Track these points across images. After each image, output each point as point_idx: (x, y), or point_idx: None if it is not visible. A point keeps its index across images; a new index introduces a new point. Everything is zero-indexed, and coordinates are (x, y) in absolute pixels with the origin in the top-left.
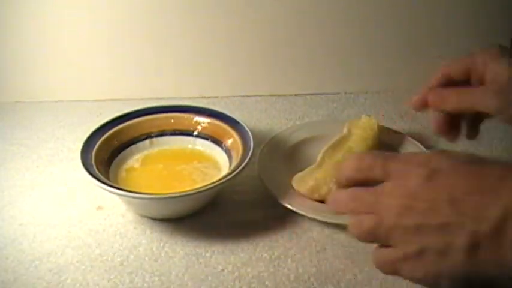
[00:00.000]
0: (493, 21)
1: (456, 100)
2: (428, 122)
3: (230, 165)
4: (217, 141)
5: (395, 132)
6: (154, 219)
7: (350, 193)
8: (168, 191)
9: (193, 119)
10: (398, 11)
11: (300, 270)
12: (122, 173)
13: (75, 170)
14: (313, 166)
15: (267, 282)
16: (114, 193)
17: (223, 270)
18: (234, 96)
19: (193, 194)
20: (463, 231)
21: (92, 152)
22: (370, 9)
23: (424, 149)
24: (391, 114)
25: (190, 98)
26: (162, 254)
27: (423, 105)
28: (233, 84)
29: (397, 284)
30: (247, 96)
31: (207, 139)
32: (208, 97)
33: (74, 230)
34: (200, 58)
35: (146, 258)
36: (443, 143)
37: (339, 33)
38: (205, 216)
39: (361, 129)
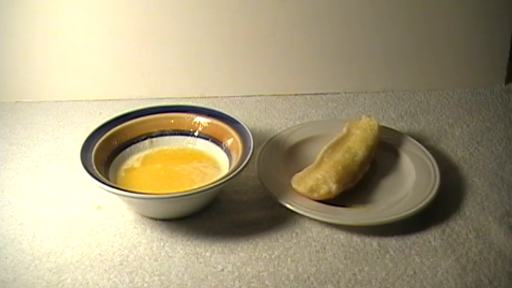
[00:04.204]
0: (493, 21)
1: None
2: (428, 122)
3: (230, 165)
4: (217, 141)
5: (395, 132)
6: (155, 219)
7: None
8: (167, 191)
9: (193, 119)
10: (398, 11)
11: (300, 270)
12: (122, 173)
13: (75, 170)
14: (312, 166)
15: (266, 282)
16: (114, 193)
17: (223, 269)
18: (234, 96)
19: (193, 194)
20: None
21: (91, 152)
22: (370, 10)
23: (424, 149)
24: (391, 114)
25: (190, 98)
26: (162, 254)
27: None
28: (233, 84)
29: (397, 284)
30: (248, 96)
31: (207, 139)
32: (209, 97)
33: (74, 230)
34: (200, 58)
35: (146, 258)
36: (444, 143)
37: (339, 33)
38: (205, 216)
39: (361, 129)
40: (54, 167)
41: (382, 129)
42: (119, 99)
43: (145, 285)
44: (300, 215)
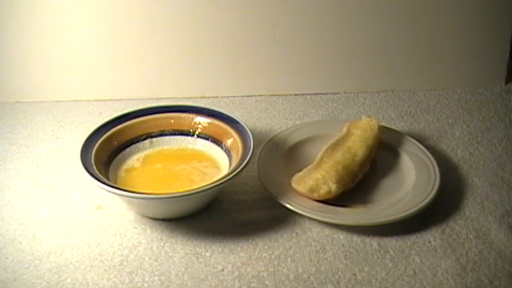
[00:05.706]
0: (493, 21)
1: None
2: (428, 122)
3: (230, 165)
4: (217, 141)
5: (395, 132)
6: (155, 219)
7: None
8: (167, 191)
9: (193, 119)
10: (398, 11)
11: (300, 270)
12: (122, 173)
13: (75, 170)
14: (312, 166)
15: (266, 282)
16: (114, 193)
17: (223, 269)
18: (234, 96)
19: (193, 194)
20: None
21: (91, 152)
22: (370, 10)
23: (424, 149)
24: (391, 114)
25: (190, 98)
26: (162, 254)
27: None
28: (233, 84)
29: (397, 284)
30: (248, 96)
31: (207, 139)
32: (209, 97)
33: (74, 230)
34: (200, 58)
35: (146, 258)
36: (444, 143)
37: (339, 33)
38: (205, 216)
39: (361, 129)
40: (54, 167)
41: (382, 129)
42: (119, 99)
43: (145, 285)
44: (300, 215)
